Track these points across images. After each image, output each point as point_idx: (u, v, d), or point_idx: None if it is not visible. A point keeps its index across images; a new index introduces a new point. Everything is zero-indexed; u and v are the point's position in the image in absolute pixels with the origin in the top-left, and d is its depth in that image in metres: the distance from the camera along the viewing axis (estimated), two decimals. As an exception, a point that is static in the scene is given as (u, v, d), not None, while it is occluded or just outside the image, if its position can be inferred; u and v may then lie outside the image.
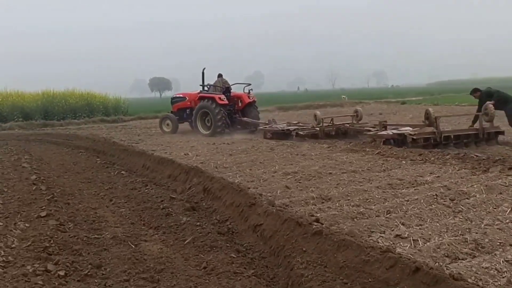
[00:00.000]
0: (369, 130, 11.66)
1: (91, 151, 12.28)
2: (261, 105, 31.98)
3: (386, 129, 11.15)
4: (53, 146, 13.99)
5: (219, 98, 14.97)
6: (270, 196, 5.91)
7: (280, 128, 13.61)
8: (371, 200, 5.49)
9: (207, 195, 6.32)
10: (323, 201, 5.67)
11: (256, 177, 7.36)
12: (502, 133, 10.33)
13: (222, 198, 5.86)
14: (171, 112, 17.36)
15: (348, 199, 5.61)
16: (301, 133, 12.67)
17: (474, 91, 11.47)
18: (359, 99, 39.03)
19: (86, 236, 4.83)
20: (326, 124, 13.01)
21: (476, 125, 10.43)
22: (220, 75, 16.41)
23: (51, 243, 4.44)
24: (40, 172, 9.03)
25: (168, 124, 16.84)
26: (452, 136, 10.07)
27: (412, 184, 6.24)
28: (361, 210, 5.02)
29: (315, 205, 5.51)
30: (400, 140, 10.05)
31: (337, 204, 5.41)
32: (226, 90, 15.91)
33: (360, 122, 13.38)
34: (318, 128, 12.79)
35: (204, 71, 16.08)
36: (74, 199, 6.78)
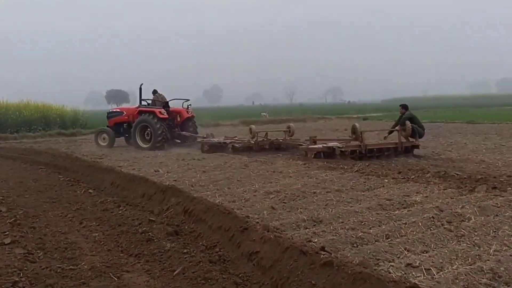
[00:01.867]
0: (301, 145, 12.53)
1: (51, 167, 11.51)
2: (222, 119, 31.88)
3: (316, 144, 12.16)
4: (9, 161, 13.06)
5: (160, 112, 15.35)
6: (258, 218, 5.57)
7: (217, 141, 14.28)
8: (366, 222, 5.24)
9: (189, 217, 5.88)
10: (315, 223, 5.37)
11: (237, 196, 6.99)
12: (417, 147, 11.52)
13: (206, 221, 5.44)
14: (107, 126, 17.30)
15: (341, 222, 5.34)
16: (237, 145, 13.35)
17: (403, 107, 12.35)
18: (321, 114, 39.38)
19: (59, 267, 4.29)
20: (261, 138, 13.63)
21: (396, 140, 11.49)
22: (155, 91, 16.98)
23: (21, 277, 3.91)
24: (-3, 191, 8.30)
25: (104, 138, 16.85)
26: (375, 149, 11.11)
27: (402, 205, 6.05)
28: (359, 235, 4.74)
29: (307, 228, 5.20)
30: (329, 153, 11.06)
31: (331, 228, 5.12)
32: (165, 105, 16.38)
33: (292, 137, 14.18)
34: (253, 142, 13.40)
35: (142, 86, 16.32)
36: (39, 222, 6.17)
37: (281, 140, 13.85)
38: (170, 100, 16.89)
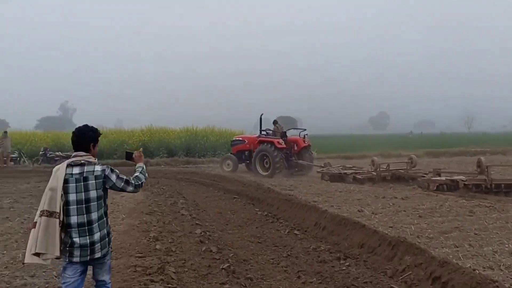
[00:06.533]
0: (424, 176, 12.66)
1: (244, 197, 11.17)
2: (397, 149, 29.15)
3: (440, 176, 12.03)
4: (203, 187, 13.26)
5: (278, 142, 16.37)
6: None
7: (337, 171, 14.56)
8: None
9: (442, 289, 4.47)
10: None
11: (492, 261, 5.32)
12: None
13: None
14: (231, 153, 18.94)
15: None
16: (358, 176, 13.62)
17: None
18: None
19: None
20: (383, 169, 14.04)
21: None
22: (276, 122, 18.34)
23: None
24: (201, 222, 8.03)
25: (228, 164, 18.29)
26: (503, 185, 10.65)
27: None
28: None
29: None
30: (452, 186, 10.94)
31: None
32: (283, 135, 17.28)
33: (413, 168, 14.30)
34: (374, 173, 13.84)
35: (262, 116, 17.35)
36: (253, 270, 5.44)
37: (402, 171, 13.89)
38: (287, 130, 18.08)
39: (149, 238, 6.53)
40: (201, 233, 7.08)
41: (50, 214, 3.24)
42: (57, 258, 3.27)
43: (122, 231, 7.15)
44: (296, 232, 7.43)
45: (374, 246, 6.02)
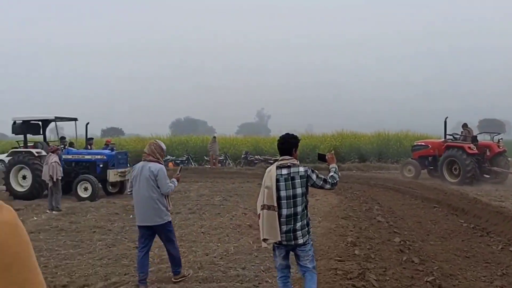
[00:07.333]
0: None
1: (445, 206, 10.34)
2: None
3: None
4: (398, 194, 12.74)
5: (469, 147, 15.18)
6: None
7: None
8: None
9: None
10: None
11: None
12: None
13: None
14: (412, 158, 17.89)
15: None
16: None
17: None
18: None
19: None
20: None
21: None
22: (465, 125, 16.89)
23: None
24: (399, 231, 7.72)
25: (410, 170, 17.36)
26: None
27: None
28: None
29: None
30: None
31: None
32: (473, 139, 15.92)
33: None
34: None
35: (447, 120, 16.29)
36: (462, 286, 5.02)
37: None
38: (478, 134, 16.82)
39: (347, 243, 6.55)
40: (400, 242, 6.81)
41: (268, 207, 3.93)
42: (279, 242, 3.93)
43: (320, 234, 7.34)
44: (511, 249, 6.57)
45: None
